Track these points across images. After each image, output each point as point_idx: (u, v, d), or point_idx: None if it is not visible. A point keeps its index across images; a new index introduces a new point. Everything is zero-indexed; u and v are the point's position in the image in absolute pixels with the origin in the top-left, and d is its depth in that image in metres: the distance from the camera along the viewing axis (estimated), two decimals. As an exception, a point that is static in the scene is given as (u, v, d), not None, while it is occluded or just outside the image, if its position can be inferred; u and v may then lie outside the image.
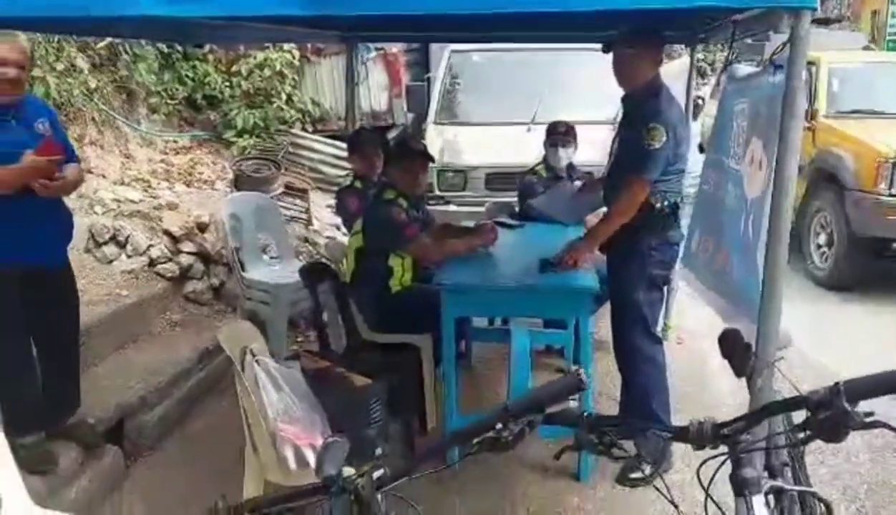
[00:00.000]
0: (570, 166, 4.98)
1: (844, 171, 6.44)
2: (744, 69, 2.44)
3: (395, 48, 8.41)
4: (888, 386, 1.32)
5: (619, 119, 3.98)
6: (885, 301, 6.03)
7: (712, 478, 1.48)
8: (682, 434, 1.55)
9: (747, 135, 2.05)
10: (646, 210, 3.23)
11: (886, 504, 3.31)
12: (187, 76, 7.32)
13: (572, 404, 1.62)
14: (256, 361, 2.58)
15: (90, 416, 3.49)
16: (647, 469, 3.42)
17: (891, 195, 5.97)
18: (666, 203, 3.29)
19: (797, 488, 2.04)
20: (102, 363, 4.21)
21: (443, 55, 7.23)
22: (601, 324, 4.31)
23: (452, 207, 6.16)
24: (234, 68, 7.33)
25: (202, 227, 5.36)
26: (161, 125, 7.19)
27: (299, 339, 5.00)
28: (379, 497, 1.35)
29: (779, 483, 1.76)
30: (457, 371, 3.52)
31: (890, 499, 3.35)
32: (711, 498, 1.48)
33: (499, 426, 1.36)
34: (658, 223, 3.30)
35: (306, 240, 6.22)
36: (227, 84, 7.35)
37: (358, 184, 4.57)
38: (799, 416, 1.42)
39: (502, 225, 4.38)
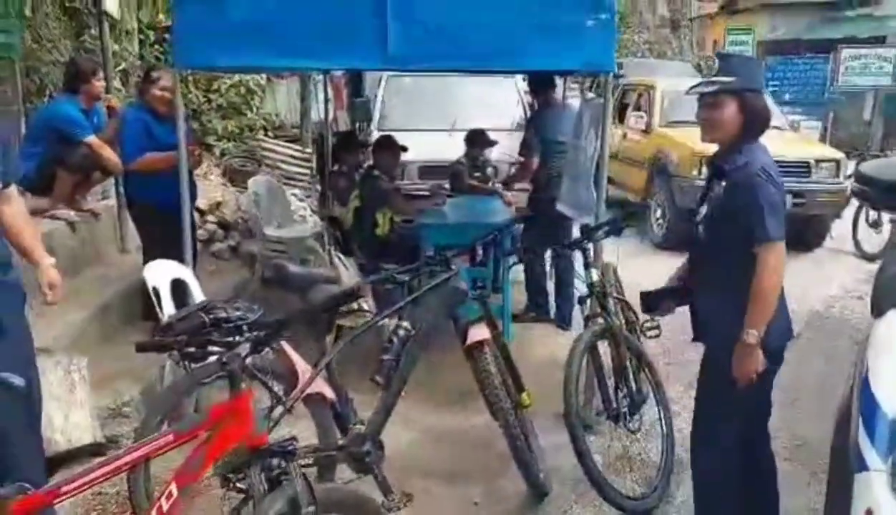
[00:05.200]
0: (485, 159, 7.27)
1: (671, 164, 9.04)
2: (589, 96, 4.75)
3: (338, 72, 10.47)
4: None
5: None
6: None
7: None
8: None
9: (589, 129, 4.34)
10: None
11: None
12: (171, 93, 9.10)
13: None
14: (336, 255, 4.68)
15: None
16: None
17: (700, 178, 8.56)
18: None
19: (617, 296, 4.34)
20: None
21: (376, 77, 9.38)
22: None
23: (394, 193, 8.29)
24: (213, 86, 9.19)
25: (218, 204, 7.29)
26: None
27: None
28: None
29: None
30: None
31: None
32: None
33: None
34: None
35: (286, 217, 8.20)
36: (206, 99, 9.20)
37: (344, 168, 6.68)
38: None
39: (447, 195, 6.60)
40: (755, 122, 2.89)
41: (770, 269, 2.73)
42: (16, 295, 2.90)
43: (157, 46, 8.29)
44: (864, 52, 15.50)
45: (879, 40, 15.88)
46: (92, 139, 5.24)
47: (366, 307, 3.63)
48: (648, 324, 4.22)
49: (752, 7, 22.33)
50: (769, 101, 2.93)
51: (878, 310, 2.57)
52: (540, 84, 6.24)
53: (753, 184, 2.76)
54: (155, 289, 4.11)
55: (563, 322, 5.96)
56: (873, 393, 2.17)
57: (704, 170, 8.53)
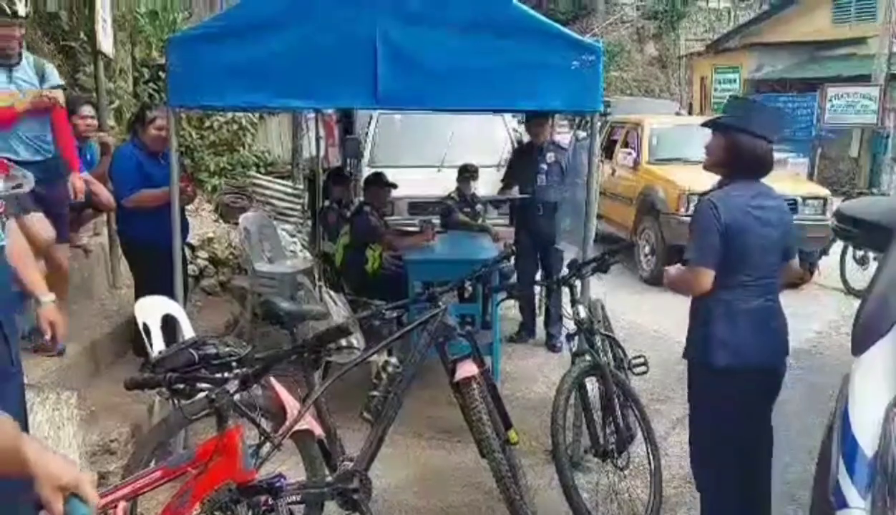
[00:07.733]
0: (474, 194, 7.35)
1: (659, 201, 9.14)
2: (580, 134, 4.88)
3: (329, 110, 10.58)
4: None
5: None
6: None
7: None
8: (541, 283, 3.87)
9: (582, 166, 4.43)
10: None
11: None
12: (164, 129, 9.19)
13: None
14: (326, 291, 4.71)
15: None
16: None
17: (688, 215, 8.67)
18: None
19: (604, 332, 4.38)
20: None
21: (367, 114, 9.49)
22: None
23: (383, 228, 8.35)
24: (206, 124, 9.27)
25: (210, 240, 7.32)
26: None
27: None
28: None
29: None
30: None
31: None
32: (567, 310, 3.78)
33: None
34: None
35: (276, 252, 8.23)
36: (199, 136, 9.27)
37: (334, 205, 6.73)
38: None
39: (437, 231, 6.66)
40: (738, 159, 3.08)
41: (683, 279, 3.20)
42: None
43: (151, 84, 8.38)
44: (849, 91, 15.75)
45: (865, 79, 16.13)
46: (84, 175, 5.28)
47: (354, 343, 3.66)
48: (636, 361, 4.29)
49: (739, 46, 22.67)
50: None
51: (858, 348, 2.61)
52: (535, 121, 6.44)
53: (699, 210, 3.12)
54: (145, 325, 4.12)
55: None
56: (853, 431, 2.20)
57: (691, 206, 8.74)
